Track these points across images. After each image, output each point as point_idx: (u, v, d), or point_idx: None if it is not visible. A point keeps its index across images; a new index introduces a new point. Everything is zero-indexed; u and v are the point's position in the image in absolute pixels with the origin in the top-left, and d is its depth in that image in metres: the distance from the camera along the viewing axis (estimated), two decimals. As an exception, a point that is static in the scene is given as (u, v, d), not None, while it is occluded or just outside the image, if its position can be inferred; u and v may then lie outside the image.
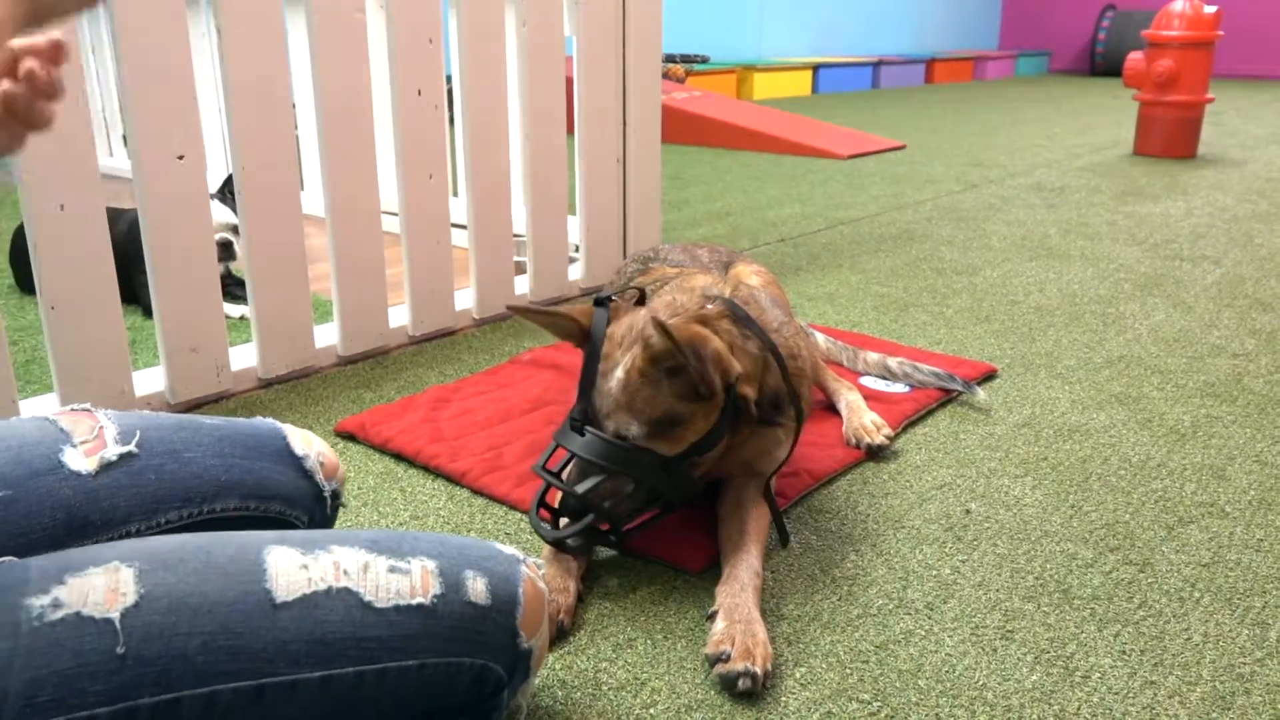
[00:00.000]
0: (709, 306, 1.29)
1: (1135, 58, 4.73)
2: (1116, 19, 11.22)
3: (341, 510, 1.35)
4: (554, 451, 1.29)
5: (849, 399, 1.68)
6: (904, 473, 1.53)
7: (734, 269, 1.58)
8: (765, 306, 1.37)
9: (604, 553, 1.30)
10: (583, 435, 1.22)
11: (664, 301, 1.32)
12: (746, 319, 1.29)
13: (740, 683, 1.02)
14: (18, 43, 0.69)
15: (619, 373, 1.23)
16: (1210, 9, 4.54)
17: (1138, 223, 3.36)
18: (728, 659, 1.04)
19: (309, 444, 1.03)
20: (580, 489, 1.20)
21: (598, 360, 1.25)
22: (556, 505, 1.28)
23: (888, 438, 1.58)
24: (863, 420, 1.61)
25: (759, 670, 1.03)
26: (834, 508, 1.42)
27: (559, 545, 1.22)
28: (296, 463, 1.01)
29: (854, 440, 1.59)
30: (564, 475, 1.27)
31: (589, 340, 1.28)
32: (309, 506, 1.01)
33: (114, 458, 0.91)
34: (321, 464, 1.02)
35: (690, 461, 1.24)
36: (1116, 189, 4.00)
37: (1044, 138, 5.67)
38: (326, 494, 1.02)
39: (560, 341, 1.40)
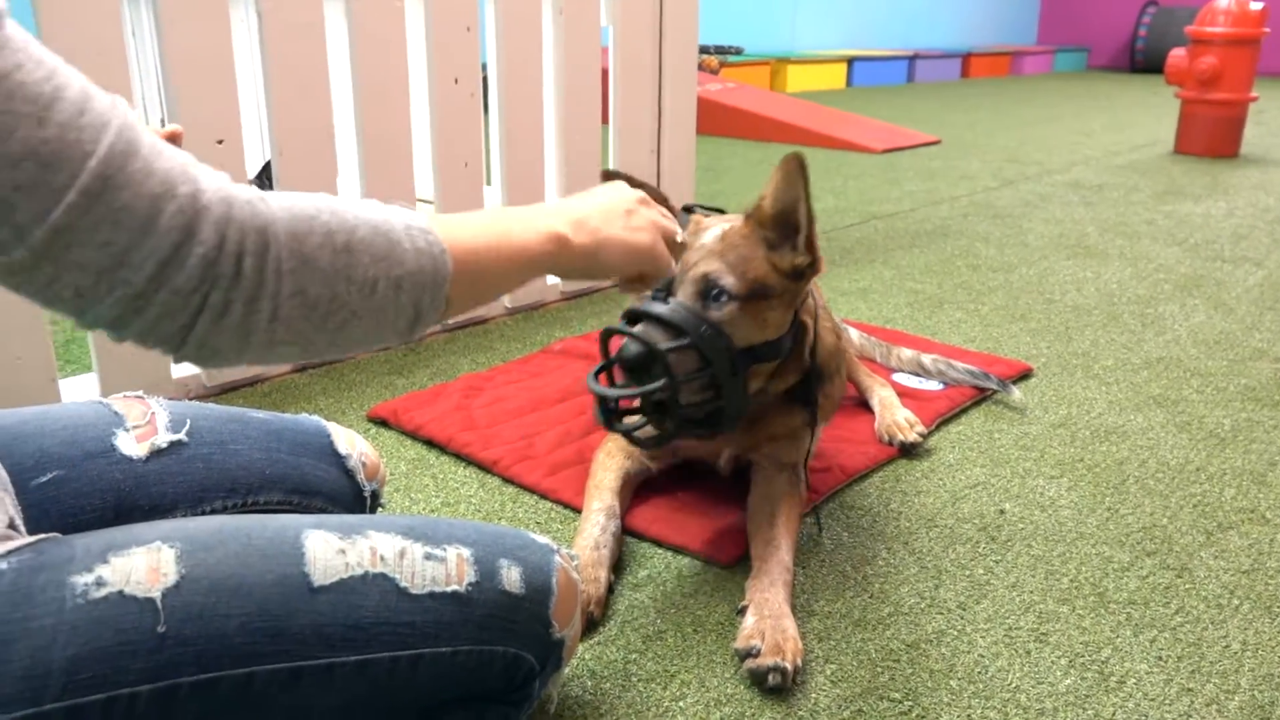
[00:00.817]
0: None
1: (1178, 54, 4.65)
2: (1158, 15, 11.04)
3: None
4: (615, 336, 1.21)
5: (882, 395, 1.66)
6: (937, 471, 1.52)
7: None
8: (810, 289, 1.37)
9: (633, 544, 1.30)
10: (665, 303, 1.18)
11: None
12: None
13: (770, 678, 1.02)
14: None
15: (716, 230, 1.22)
16: (1256, 5, 4.46)
17: (1178, 222, 3.31)
18: (758, 654, 1.04)
19: (352, 444, 1.05)
20: (662, 346, 1.13)
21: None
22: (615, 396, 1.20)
23: (921, 435, 1.57)
24: (895, 417, 1.60)
25: (789, 666, 1.02)
26: (866, 505, 1.41)
27: (612, 420, 1.20)
28: (339, 462, 1.03)
29: (886, 437, 1.58)
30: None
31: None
32: (349, 505, 1.02)
33: (164, 445, 0.92)
34: (364, 464, 1.04)
35: (748, 371, 1.21)
36: (1156, 188, 3.94)
37: (1082, 135, 5.60)
38: (367, 494, 1.04)
39: (592, 332, 1.39)
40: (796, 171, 1.18)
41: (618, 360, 1.16)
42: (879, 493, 1.45)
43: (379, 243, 0.71)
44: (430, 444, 1.57)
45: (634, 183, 1.28)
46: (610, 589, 1.19)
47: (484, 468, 1.49)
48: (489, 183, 2.56)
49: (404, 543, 0.79)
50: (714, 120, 5.26)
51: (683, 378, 1.15)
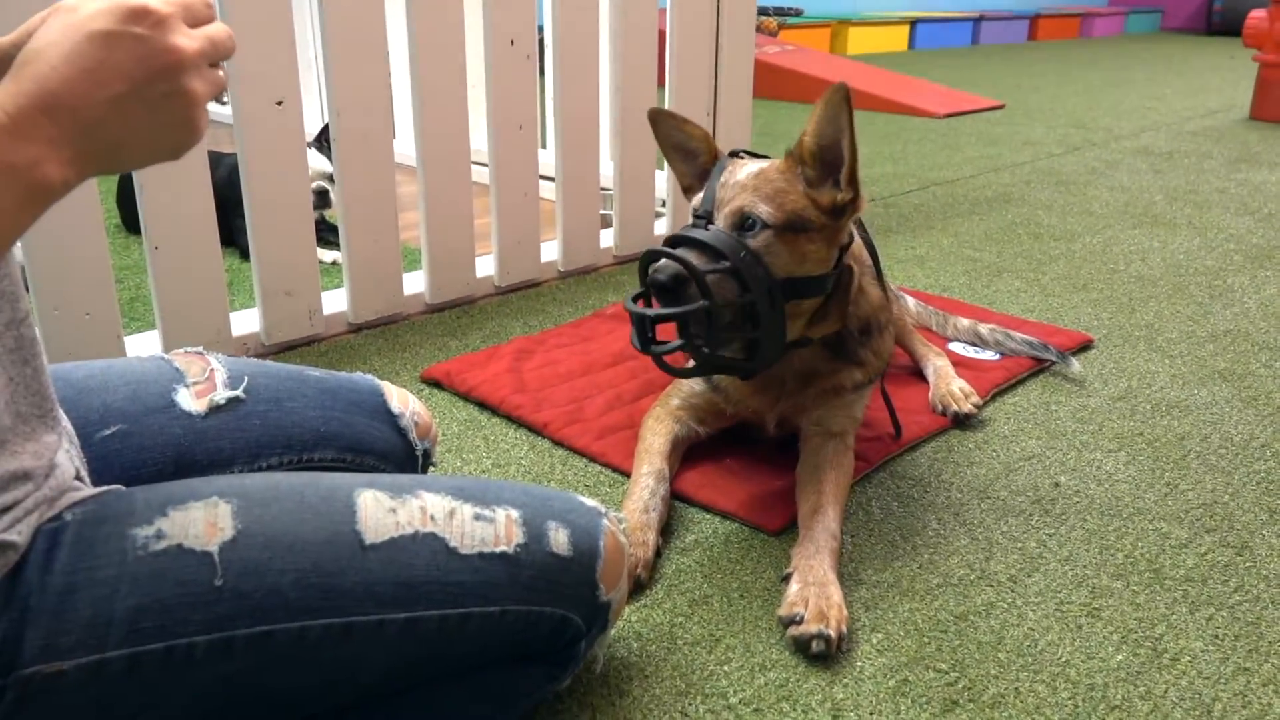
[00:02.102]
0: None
1: (1258, 15, 4.47)
2: (1238, -26, 10.60)
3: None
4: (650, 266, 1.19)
5: (937, 365, 1.64)
6: (991, 442, 1.50)
7: None
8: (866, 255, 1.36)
9: (681, 509, 1.30)
10: (705, 230, 1.17)
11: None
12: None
13: (814, 645, 1.02)
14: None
15: (752, 167, 1.22)
16: (1344, -36, 4.27)
17: (1251, 191, 3.20)
18: (801, 621, 1.04)
19: (405, 403, 1.06)
20: (700, 266, 1.13)
21: (722, 168, 1.23)
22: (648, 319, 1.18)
23: (976, 406, 1.54)
24: (950, 387, 1.57)
25: (832, 633, 1.02)
26: (917, 475, 1.40)
27: (648, 343, 1.18)
28: (392, 420, 1.03)
29: (940, 407, 1.56)
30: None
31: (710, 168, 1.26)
32: (401, 463, 1.03)
33: (223, 401, 0.94)
34: (416, 423, 1.05)
35: (786, 305, 1.19)
36: (1229, 155, 3.81)
37: (1153, 99, 5.43)
38: (419, 452, 1.05)
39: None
40: (841, 104, 1.16)
41: (652, 282, 1.15)
42: (930, 463, 1.43)
43: None
44: (482, 406, 1.58)
45: (670, 118, 1.31)
46: (658, 552, 1.19)
47: (535, 430, 1.50)
48: (544, 146, 2.56)
49: (454, 503, 0.80)
50: (771, 84, 5.19)
51: (721, 301, 1.14)
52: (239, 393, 0.96)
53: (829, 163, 1.20)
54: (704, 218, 1.19)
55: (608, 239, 2.36)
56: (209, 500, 0.72)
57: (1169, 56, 8.12)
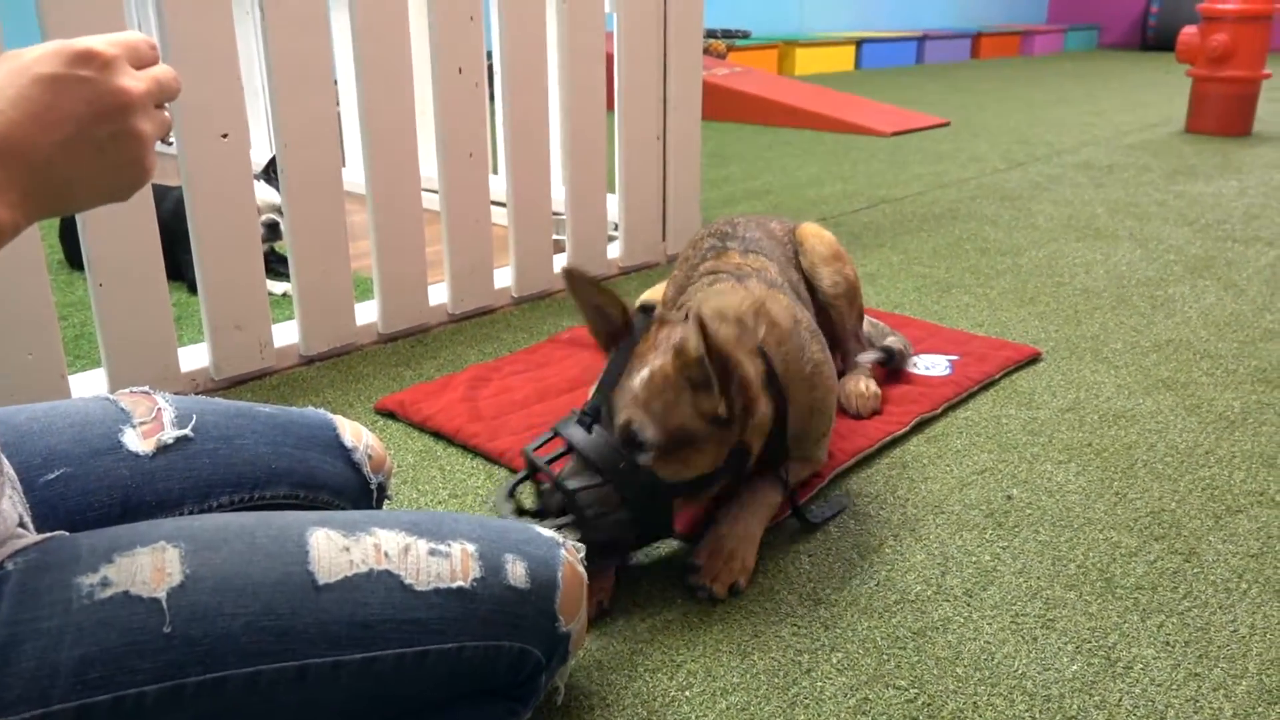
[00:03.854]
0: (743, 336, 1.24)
1: (1189, 32, 4.61)
2: (1170, -9, 10.92)
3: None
4: (550, 439, 1.18)
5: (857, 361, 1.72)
6: (945, 457, 1.51)
7: (800, 229, 1.69)
8: (789, 333, 1.32)
9: (641, 534, 1.30)
10: (589, 431, 1.13)
11: (711, 308, 1.25)
12: (770, 363, 1.25)
13: (698, 594, 1.16)
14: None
15: (645, 371, 1.14)
16: (1269, -19, 4.41)
17: (1189, 203, 3.28)
18: (696, 571, 1.18)
19: (358, 436, 1.05)
20: (571, 484, 1.09)
21: (627, 359, 1.16)
22: (532, 500, 1.17)
23: (874, 411, 1.62)
24: (851, 387, 1.64)
25: (717, 590, 1.15)
26: (873, 491, 1.41)
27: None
28: (345, 454, 1.02)
29: (844, 405, 1.63)
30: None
31: (625, 338, 1.19)
32: (355, 498, 1.03)
33: (170, 440, 0.93)
34: (370, 456, 1.04)
35: (672, 503, 1.16)
36: (1167, 168, 3.91)
37: (1093, 115, 5.56)
38: (373, 486, 1.04)
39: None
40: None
41: (544, 508, 1.12)
42: (885, 479, 1.45)
43: None
44: (438, 435, 1.57)
45: (586, 282, 1.20)
46: (618, 577, 1.19)
47: (491, 459, 1.49)
48: (495, 171, 2.56)
49: (408, 539, 0.80)
50: (721, 105, 5.24)
51: (594, 513, 1.09)
52: (187, 431, 0.95)
53: (724, 369, 1.14)
54: (590, 415, 1.14)
55: (562, 263, 2.36)
56: (156, 545, 0.71)
57: (1107, 72, 8.32)
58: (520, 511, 1.13)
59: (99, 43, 0.60)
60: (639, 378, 1.14)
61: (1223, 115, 4.67)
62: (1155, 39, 10.88)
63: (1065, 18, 12.60)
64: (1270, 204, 3.25)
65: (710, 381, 1.12)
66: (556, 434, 1.16)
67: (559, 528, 1.03)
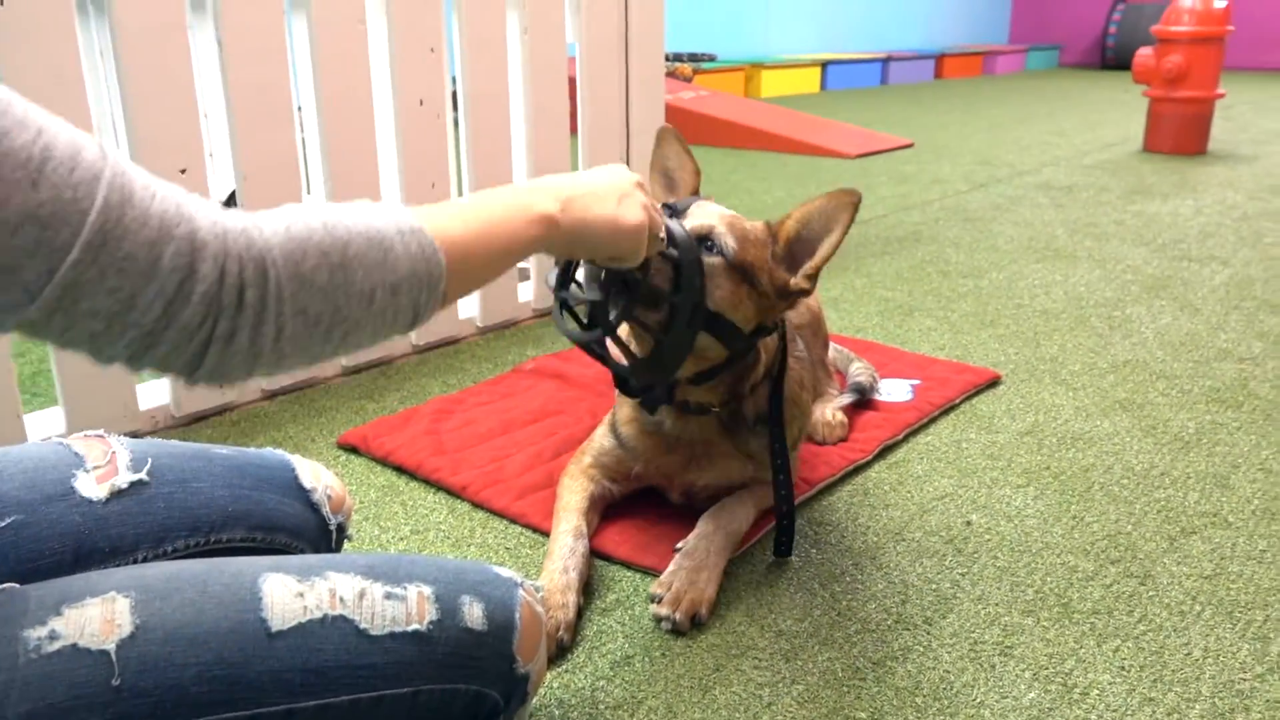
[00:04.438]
0: None
1: (1144, 53, 4.70)
2: (1127, 12, 11.14)
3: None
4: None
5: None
6: (905, 483, 1.53)
7: None
8: (793, 335, 1.40)
9: (602, 567, 1.30)
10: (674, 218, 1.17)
11: None
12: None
13: (662, 625, 1.17)
14: None
15: (729, 210, 1.24)
16: (1220, 3, 4.52)
17: (1146, 222, 3.34)
18: (659, 601, 1.18)
19: (317, 477, 1.04)
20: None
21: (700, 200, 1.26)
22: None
23: (840, 439, 1.63)
24: (819, 415, 1.65)
25: (679, 618, 1.16)
26: (834, 520, 1.42)
27: (563, 286, 1.13)
28: (304, 496, 1.02)
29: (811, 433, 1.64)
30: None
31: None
32: (314, 539, 1.02)
33: (125, 485, 0.92)
34: (329, 497, 1.04)
35: (694, 336, 1.17)
36: (1125, 187, 3.98)
37: (1053, 134, 5.65)
38: (332, 527, 1.04)
39: (564, 350, 1.40)
40: (846, 207, 1.22)
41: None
42: (846, 506, 1.46)
43: (373, 254, 0.73)
44: (400, 470, 1.57)
45: (680, 145, 1.35)
46: (580, 613, 1.19)
47: (453, 493, 1.49)
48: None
49: (364, 583, 0.80)
50: (688, 128, 5.27)
51: (649, 282, 1.10)
52: (142, 475, 0.94)
53: (797, 252, 1.24)
54: (673, 210, 1.21)
55: (526, 292, 2.36)
56: (106, 596, 0.71)
57: (1067, 92, 8.46)
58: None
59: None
60: (723, 208, 1.23)
61: (1179, 134, 4.76)
62: (1114, 58, 11.08)
63: (1027, 38, 12.81)
64: (1224, 223, 3.32)
65: (809, 254, 1.23)
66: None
67: (616, 275, 1.08)
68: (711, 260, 1.18)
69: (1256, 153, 4.86)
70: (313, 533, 1.02)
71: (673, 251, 1.12)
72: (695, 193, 1.33)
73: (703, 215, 1.22)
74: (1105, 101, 7.53)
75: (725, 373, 1.27)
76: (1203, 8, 4.50)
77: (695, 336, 1.18)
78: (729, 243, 1.19)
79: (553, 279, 1.13)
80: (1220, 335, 2.19)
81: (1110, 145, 5.16)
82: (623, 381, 1.27)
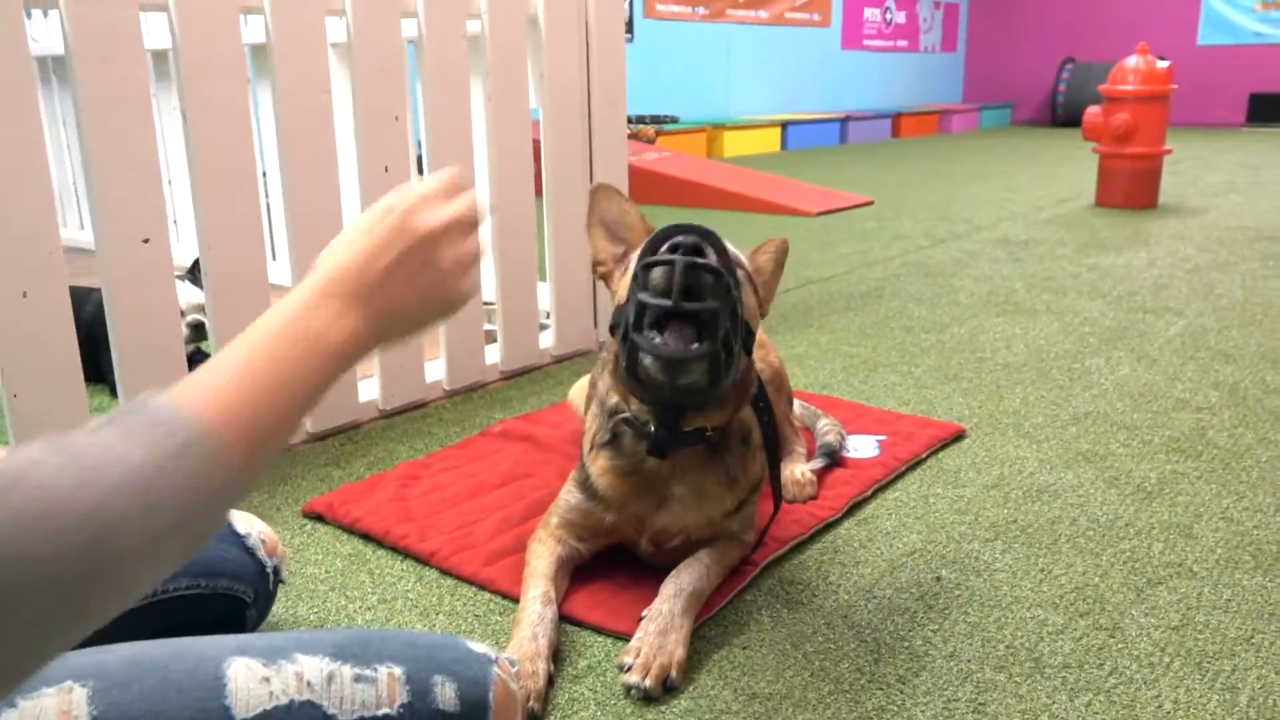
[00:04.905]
0: None
1: (1093, 112, 4.84)
2: (1076, 71, 11.50)
3: (310, 594, 1.35)
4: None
5: (795, 451, 1.75)
6: (875, 539, 1.53)
7: None
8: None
9: (574, 632, 1.29)
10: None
11: None
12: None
13: (633, 693, 1.15)
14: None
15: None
16: (1163, 64, 4.67)
17: (1101, 275, 3.41)
18: (628, 669, 1.16)
19: (250, 524, 1.12)
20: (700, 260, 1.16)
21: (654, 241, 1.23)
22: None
23: (810, 497, 1.64)
24: (789, 473, 1.66)
25: (649, 685, 1.14)
26: (805, 578, 1.42)
27: (686, 296, 1.14)
28: (239, 541, 1.10)
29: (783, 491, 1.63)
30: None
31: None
32: (254, 581, 1.09)
33: None
34: (263, 541, 1.12)
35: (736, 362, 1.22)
36: (1080, 241, 4.07)
37: (1009, 190, 5.77)
38: (269, 570, 1.11)
39: (532, 412, 1.42)
40: (781, 251, 1.37)
41: (676, 245, 1.17)
42: (817, 565, 1.46)
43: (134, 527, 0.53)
44: (367, 538, 1.55)
45: (618, 197, 1.37)
46: (550, 681, 1.17)
47: (422, 560, 1.47)
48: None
49: (332, 665, 0.78)
50: (652, 189, 5.34)
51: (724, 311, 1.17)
52: None
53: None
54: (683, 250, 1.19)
55: (493, 354, 2.36)
56: (63, 685, 0.69)
57: (1020, 149, 8.68)
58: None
59: (393, 196, 0.76)
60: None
61: (1129, 189, 4.89)
62: (1065, 116, 11.41)
63: (980, 97, 13.16)
64: (1177, 274, 3.39)
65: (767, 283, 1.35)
66: (678, 225, 1.22)
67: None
68: (741, 274, 1.25)
69: (1205, 205, 4.99)
70: (252, 575, 1.10)
71: (708, 276, 1.15)
72: (647, 232, 1.34)
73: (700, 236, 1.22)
74: (1057, 158, 7.73)
75: (733, 390, 1.30)
76: (1147, 68, 4.66)
77: (742, 350, 1.24)
78: (746, 263, 1.30)
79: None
80: (1177, 385, 2.23)
81: (1064, 200, 5.28)
82: (656, 440, 1.26)
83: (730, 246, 1.26)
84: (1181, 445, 1.88)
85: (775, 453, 1.40)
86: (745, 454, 1.35)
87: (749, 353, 1.28)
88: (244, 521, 1.12)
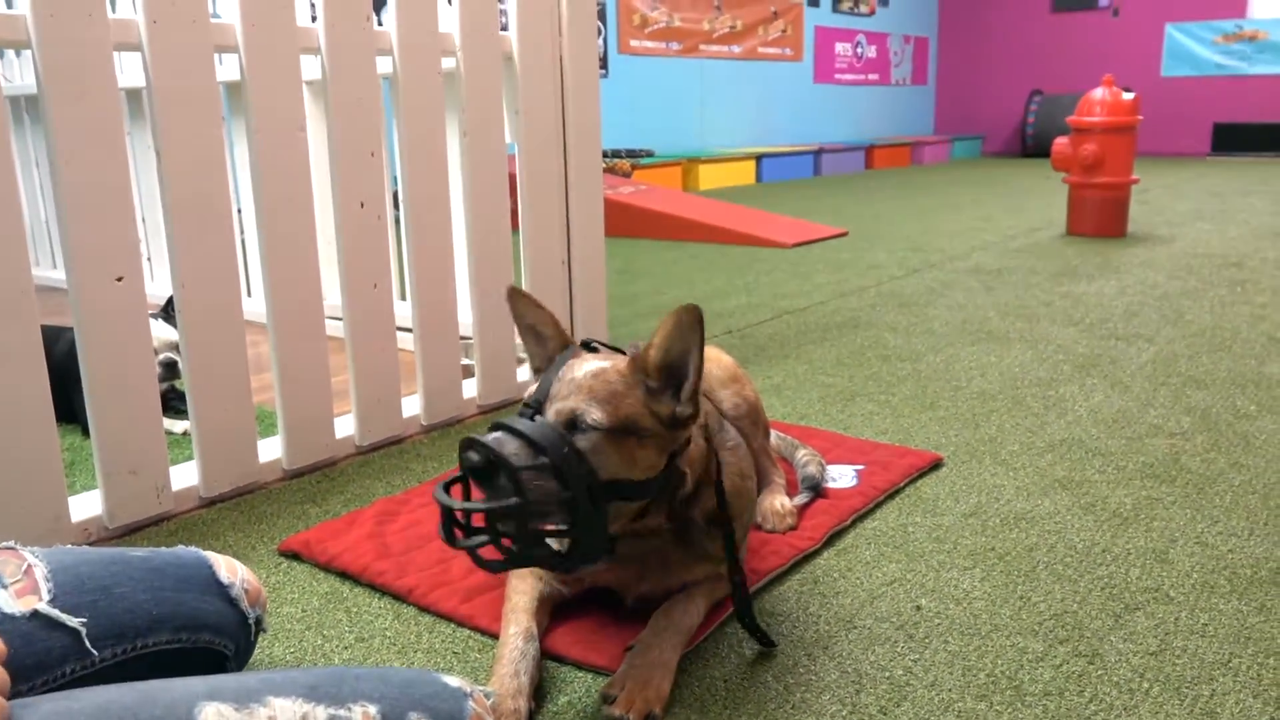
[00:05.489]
0: None
1: (1061, 143, 4.92)
2: (1044, 103, 11.70)
3: (286, 634, 1.34)
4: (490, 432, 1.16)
5: (773, 482, 1.74)
6: (854, 569, 1.53)
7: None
8: (723, 425, 1.41)
9: (554, 669, 1.28)
10: (531, 420, 1.15)
11: None
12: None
13: None
14: None
15: (592, 365, 1.19)
16: (1128, 95, 4.76)
17: (1073, 303, 3.45)
18: (612, 702, 1.14)
19: (234, 571, 1.08)
20: (517, 461, 1.09)
21: (565, 364, 1.21)
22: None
23: (789, 527, 1.63)
24: (768, 503, 1.66)
25: (633, 719, 1.12)
26: (785, 610, 1.42)
27: (453, 533, 1.10)
28: (223, 591, 1.06)
29: (760, 521, 1.64)
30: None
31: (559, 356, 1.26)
32: (235, 635, 1.05)
33: (47, 601, 0.91)
34: (246, 590, 1.08)
35: (611, 506, 1.17)
36: (1052, 269, 4.11)
37: (981, 220, 5.84)
38: (251, 621, 1.08)
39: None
40: (693, 325, 1.18)
41: (464, 464, 1.11)
42: (797, 596, 1.46)
43: None
44: (344, 576, 1.53)
45: (528, 301, 1.30)
46: (531, 718, 1.16)
47: (399, 597, 1.46)
48: (403, 298, 2.57)
49: (305, 706, 0.77)
50: (628, 222, 5.37)
51: (534, 498, 1.10)
52: (77, 625, 0.92)
53: (672, 376, 1.22)
54: (533, 407, 1.17)
55: (471, 389, 2.36)
56: (30, 732, 0.68)
57: (992, 179, 8.79)
58: (466, 495, 1.15)
59: None
60: (585, 370, 1.19)
61: (1099, 218, 4.96)
62: (1034, 146, 11.59)
63: (951, 129, 13.35)
64: (1147, 301, 3.44)
65: (684, 377, 1.20)
66: (497, 425, 1.15)
67: (498, 510, 1.07)
68: (585, 441, 1.15)
69: (1173, 234, 5.07)
70: (233, 628, 1.06)
71: (544, 459, 1.11)
72: (563, 341, 1.29)
73: (563, 396, 1.17)
74: (1028, 187, 7.83)
75: (657, 505, 1.26)
76: (1113, 99, 4.74)
77: (605, 512, 1.17)
78: (597, 415, 1.15)
79: (443, 495, 1.11)
80: (1150, 411, 2.25)
81: (1035, 229, 5.35)
82: (562, 563, 1.20)
83: (582, 406, 1.15)
84: (1155, 471, 1.90)
85: (731, 538, 1.30)
86: (716, 534, 1.32)
87: (636, 493, 1.20)
88: (228, 569, 1.08)
